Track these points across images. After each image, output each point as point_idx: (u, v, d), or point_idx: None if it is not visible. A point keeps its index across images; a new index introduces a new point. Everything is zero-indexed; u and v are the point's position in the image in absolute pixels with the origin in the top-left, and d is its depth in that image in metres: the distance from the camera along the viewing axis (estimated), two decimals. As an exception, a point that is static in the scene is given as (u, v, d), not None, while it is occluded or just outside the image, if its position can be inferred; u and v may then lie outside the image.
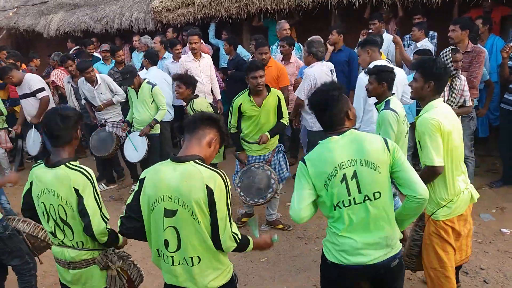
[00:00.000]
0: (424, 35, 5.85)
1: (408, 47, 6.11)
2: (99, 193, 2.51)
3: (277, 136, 4.56)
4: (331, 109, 2.33)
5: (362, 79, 4.13)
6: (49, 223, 2.54)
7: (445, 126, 2.74)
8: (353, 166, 2.25)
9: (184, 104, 5.04)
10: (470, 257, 3.80)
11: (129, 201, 2.28)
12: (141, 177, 2.25)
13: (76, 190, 2.41)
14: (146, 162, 5.52)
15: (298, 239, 4.51)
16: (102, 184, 6.43)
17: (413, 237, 3.04)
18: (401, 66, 5.96)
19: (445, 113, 2.84)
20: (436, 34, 6.11)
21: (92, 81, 5.97)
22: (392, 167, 2.28)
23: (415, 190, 2.24)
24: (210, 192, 2.07)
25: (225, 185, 2.14)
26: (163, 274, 2.31)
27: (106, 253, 2.58)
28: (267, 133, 4.30)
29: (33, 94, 6.19)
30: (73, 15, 9.94)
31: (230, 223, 2.17)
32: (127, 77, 5.50)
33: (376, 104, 3.59)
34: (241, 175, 4.36)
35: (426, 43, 5.79)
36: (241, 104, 4.32)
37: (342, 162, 2.25)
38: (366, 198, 2.24)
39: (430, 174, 2.76)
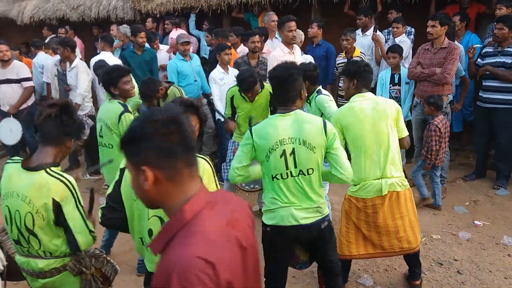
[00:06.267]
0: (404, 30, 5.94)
1: (386, 42, 6.16)
2: (82, 203, 2.26)
3: None
4: (289, 85, 2.56)
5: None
6: (12, 231, 2.26)
7: (341, 120, 3.06)
8: (292, 143, 2.53)
9: None
10: (444, 248, 3.97)
11: (109, 191, 2.22)
12: (121, 166, 2.20)
13: (55, 201, 2.15)
14: None
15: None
16: (87, 174, 6.13)
17: None
18: (379, 64, 6.05)
19: (351, 106, 3.07)
20: (413, 30, 6.18)
21: (71, 61, 5.71)
22: (327, 149, 2.57)
23: (340, 173, 2.55)
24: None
25: (212, 169, 2.20)
26: (145, 263, 2.29)
27: (78, 258, 2.31)
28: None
29: (18, 81, 5.95)
30: (48, 2, 9.62)
31: None
32: (99, 73, 5.02)
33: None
34: None
35: (404, 39, 5.87)
36: (233, 96, 4.29)
37: (283, 139, 2.53)
38: (301, 172, 2.55)
39: None
